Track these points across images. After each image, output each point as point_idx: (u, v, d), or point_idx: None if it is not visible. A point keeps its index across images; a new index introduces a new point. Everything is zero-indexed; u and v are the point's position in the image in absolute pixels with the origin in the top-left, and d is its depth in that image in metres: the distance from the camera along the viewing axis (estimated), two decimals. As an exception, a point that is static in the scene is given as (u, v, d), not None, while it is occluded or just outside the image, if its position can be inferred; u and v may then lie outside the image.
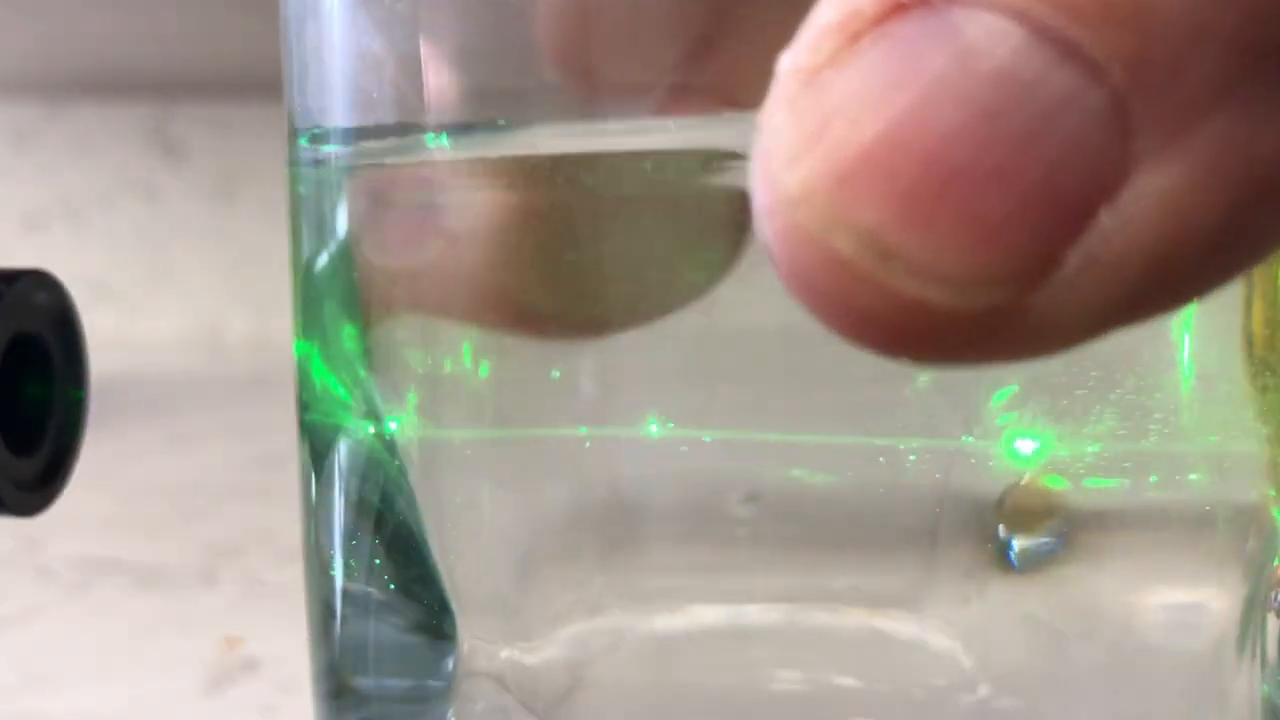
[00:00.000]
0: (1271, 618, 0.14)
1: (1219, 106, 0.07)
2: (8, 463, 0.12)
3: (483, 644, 0.14)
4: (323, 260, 0.15)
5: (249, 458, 0.47)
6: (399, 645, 0.15)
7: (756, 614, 0.13)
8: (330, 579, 0.15)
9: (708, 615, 0.13)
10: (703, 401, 0.13)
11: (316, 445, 0.16)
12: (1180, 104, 0.07)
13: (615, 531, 0.14)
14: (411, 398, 0.14)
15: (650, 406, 0.13)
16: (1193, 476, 0.13)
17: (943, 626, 0.13)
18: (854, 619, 0.13)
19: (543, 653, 0.14)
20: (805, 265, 0.07)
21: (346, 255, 0.15)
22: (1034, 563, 0.13)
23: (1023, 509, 0.13)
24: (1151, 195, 0.07)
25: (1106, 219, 0.07)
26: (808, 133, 0.07)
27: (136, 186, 0.80)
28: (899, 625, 0.13)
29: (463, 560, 0.14)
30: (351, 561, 0.15)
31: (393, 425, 0.15)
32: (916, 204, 0.07)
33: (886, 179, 0.07)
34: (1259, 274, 0.13)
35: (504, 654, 0.14)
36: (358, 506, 0.15)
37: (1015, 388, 0.12)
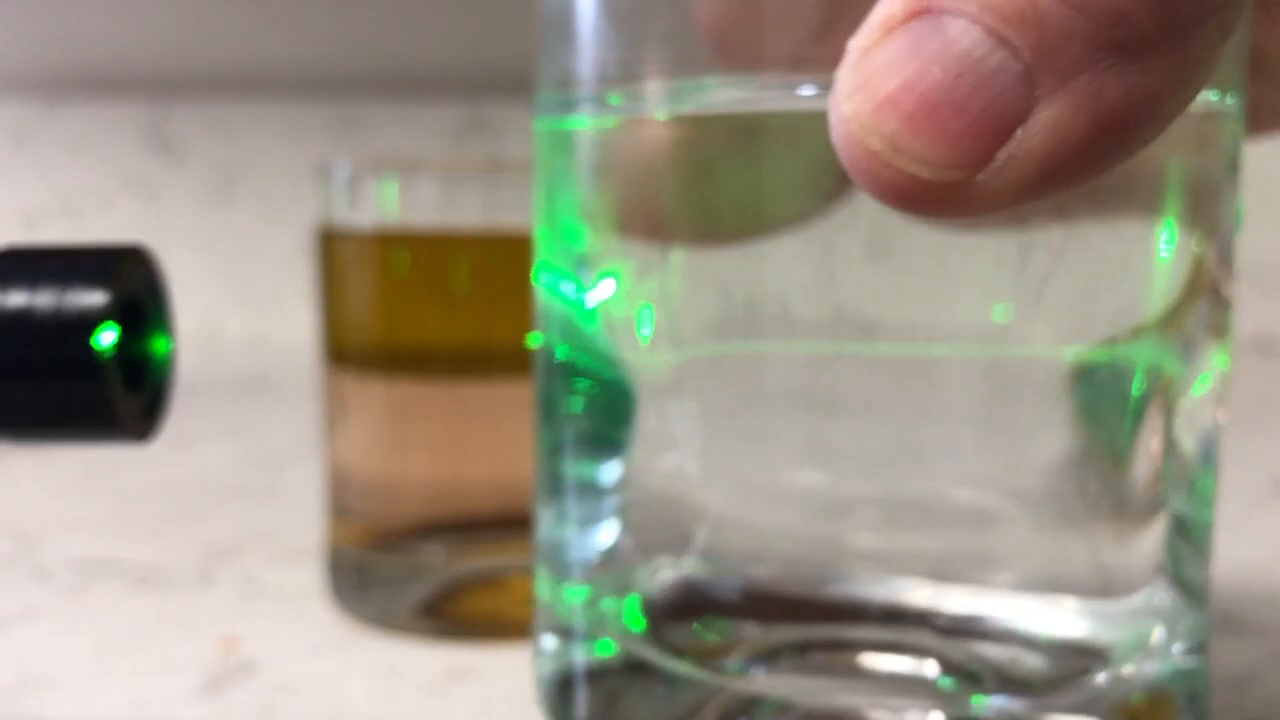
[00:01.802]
0: (1185, 434, 0.18)
1: (1082, 72, 0.12)
2: (127, 397, 0.16)
3: (644, 476, 0.20)
4: (558, 198, 0.20)
5: (248, 458, 0.47)
6: (590, 479, 0.20)
7: (858, 483, 0.18)
8: (557, 434, 0.20)
9: (809, 479, 0.19)
10: (835, 298, 0.18)
11: (550, 342, 0.20)
12: (1060, 70, 0.12)
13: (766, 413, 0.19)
14: (624, 311, 0.19)
15: (807, 302, 0.18)
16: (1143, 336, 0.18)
17: (1006, 498, 0.18)
18: (938, 494, 0.18)
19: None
20: (853, 156, 0.13)
21: (575, 192, 0.19)
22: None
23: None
24: (1044, 121, 0.12)
25: (1020, 133, 0.12)
26: (858, 83, 0.13)
27: (135, 186, 0.80)
28: (974, 498, 0.18)
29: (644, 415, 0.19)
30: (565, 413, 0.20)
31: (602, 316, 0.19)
32: (914, 123, 0.12)
33: (898, 108, 0.12)
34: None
35: (663, 479, 0.19)
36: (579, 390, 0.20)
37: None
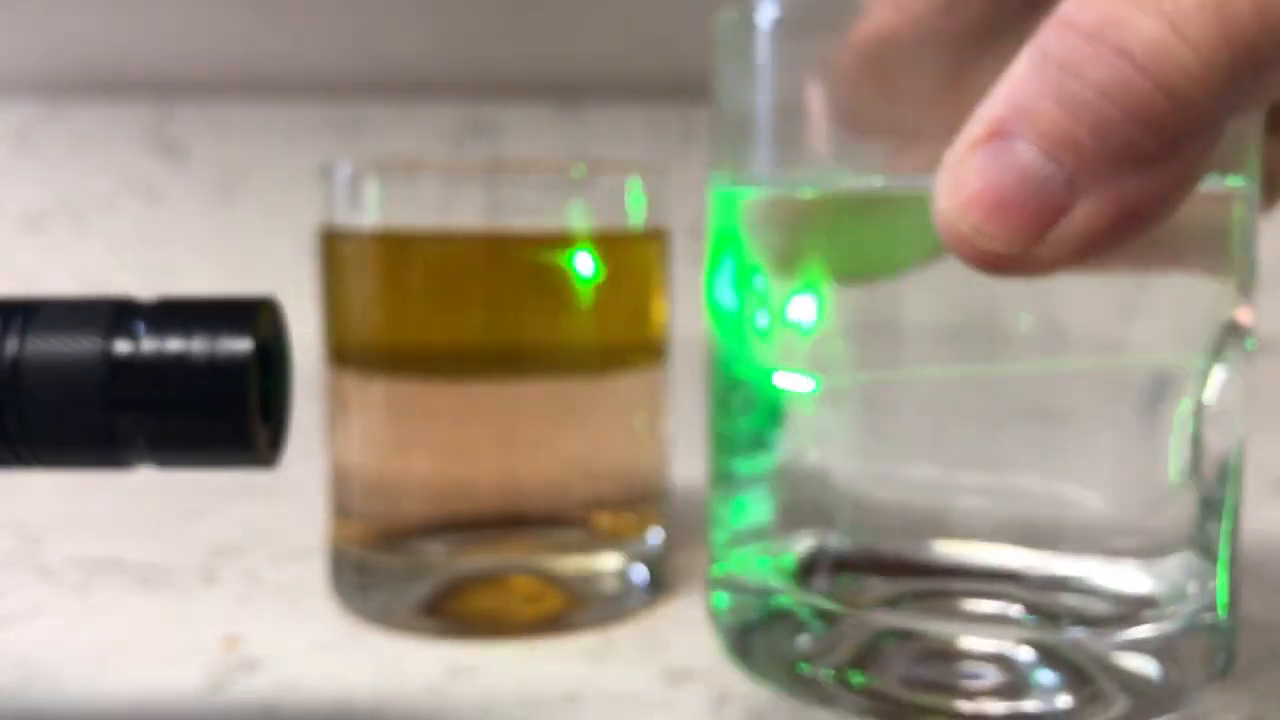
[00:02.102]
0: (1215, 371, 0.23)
1: (1108, 178, 0.17)
2: (262, 429, 0.18)
3: (796, 467, 0.26)
4: (729, 249, 0.26)
5: (249, 458, 0.47)
6: (756, 471, 0.27)
7: (965, 475, 0.24)
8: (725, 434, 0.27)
9: (926, 472, 0.24)
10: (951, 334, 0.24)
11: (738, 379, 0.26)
12: (1092, 178, 0.17)
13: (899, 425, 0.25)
14: (783, 346, 0.25)
15: (925, 343, 0.24)
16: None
17: (1080, 486, 0.24)
18: (1029, 483, 0.24)
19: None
20: (949, 235, 0.18)
21: (745, 248, 0.25)
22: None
23: None
24: (1082, 213, 0.17)
25: (1064, 221, 0.17)
26: (952, 185, 0.18)
27: (137, 187, 0.80)
28: (1057, 486, 0.24)
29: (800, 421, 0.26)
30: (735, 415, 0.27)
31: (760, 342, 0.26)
32: (991, 214, 0.18)
33: (980, 204, 0.18)
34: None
35: (808, 470, 0.26)
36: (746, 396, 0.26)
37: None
